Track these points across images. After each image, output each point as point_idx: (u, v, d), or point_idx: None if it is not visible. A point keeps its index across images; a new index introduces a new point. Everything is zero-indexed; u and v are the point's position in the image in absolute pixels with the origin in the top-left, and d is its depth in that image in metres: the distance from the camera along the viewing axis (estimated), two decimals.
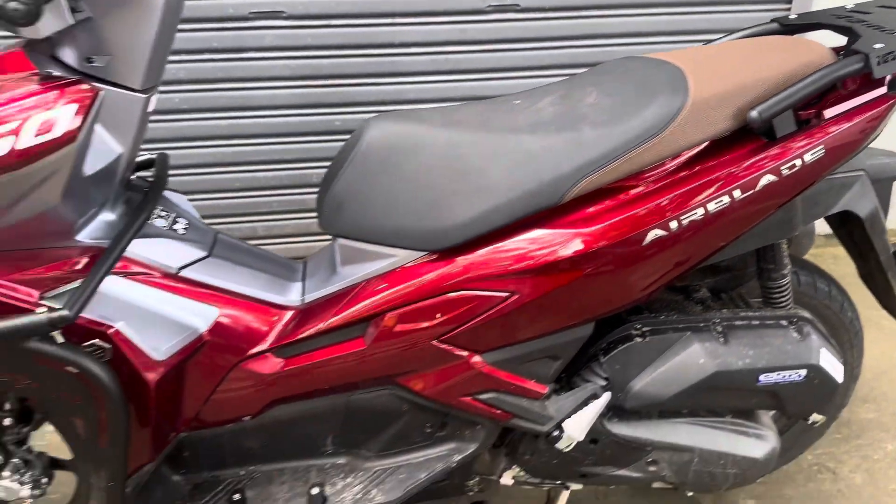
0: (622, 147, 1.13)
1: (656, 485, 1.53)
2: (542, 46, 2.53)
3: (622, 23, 2.55)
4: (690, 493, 1.48)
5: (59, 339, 1.05)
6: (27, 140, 0.98)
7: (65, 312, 1.00)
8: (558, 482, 1.47)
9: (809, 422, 1.42)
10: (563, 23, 2.51)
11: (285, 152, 2.55)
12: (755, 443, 1.37)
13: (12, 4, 0.88)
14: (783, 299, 1.36)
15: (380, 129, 1.22)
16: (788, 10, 2.63)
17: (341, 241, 1.28)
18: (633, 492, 1.81)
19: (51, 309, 1.00)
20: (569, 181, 1.14)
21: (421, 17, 2.44)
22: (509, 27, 2.48)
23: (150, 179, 1.32)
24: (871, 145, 1.25)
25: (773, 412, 1.47)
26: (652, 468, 1.37)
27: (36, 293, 1.09)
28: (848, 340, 1.55)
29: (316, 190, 2.63)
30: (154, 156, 1.40)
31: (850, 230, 1.44)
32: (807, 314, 1.33)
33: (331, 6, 2.37)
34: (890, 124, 1.25)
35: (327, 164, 2.57)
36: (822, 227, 1.49)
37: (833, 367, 1.29)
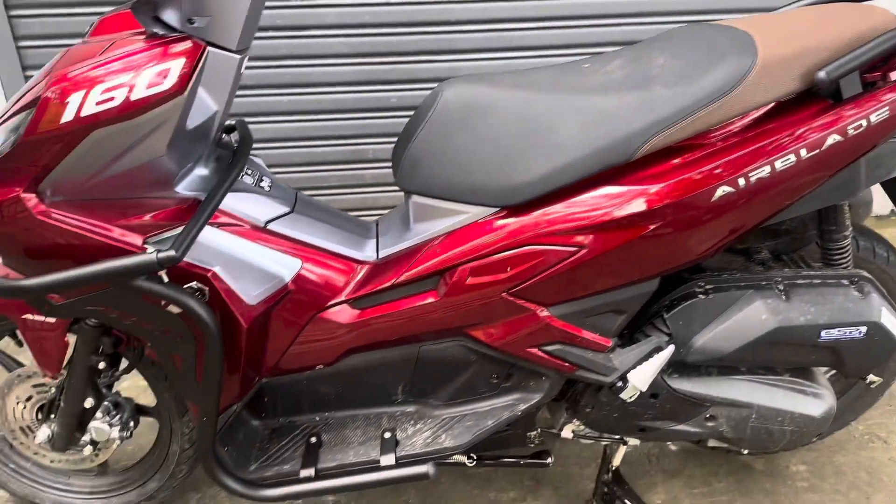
0: (693, 106, 1.17)
1: (712, 443, 1.58)
2: (597, 24, 2.57)
3: (682, 0, 2.58)
4: (746, 452, 1.52)
5: (165, 278, 1.14)
6: (140, 91, 1.06)
7: (172, 253, 1.08)
8: (617, 437, 1.52)
9: (867, 381, 1.45)
10: (618, 0, 2.54)
11: (343, 128, 2.63)
12: (812, 401, 1.40)
13: None
14: (843, 261, 1.39)
15: (455, 91, 1.28)
16: None
17: (415, 198, 1.34)
18: (686, 456, 1.86)
19: (159, 250, 1.08)
20: (640, 138, 1.18)
21: None
22: (563, 4, 2.53)
23: (236, 141, 1.41)
24: None
25: (830, 372, 1.50)
26: (710, 424, 1.41)
27: (140, 238, 1.18)
28: None
29: (372, 165, 2.73)
30: (234, 122, 1.48)
31: None
32: (867, 274, 1.35)
33: None
34: None
35: (383, 139, 2.67)
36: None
37: (893, 325, 1.32)
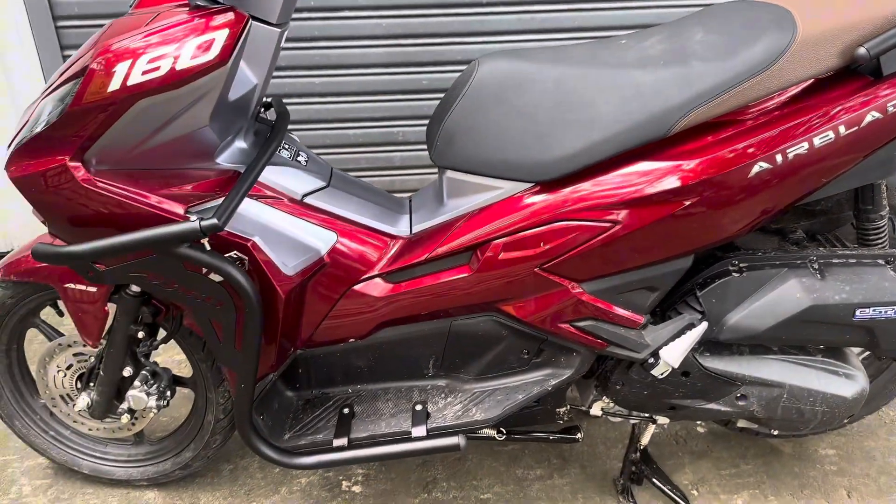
0: (731, 81, 1.17)
1: (741, 424, 1.58)
2: (632, 6, 2.55)
3: None
4: (776, 433, 1.51)
5: (208, 247, 1.16)
6: (185, 62, 1.08)
7: (215, 221, 1.10)
8: (646, 415, 1.52)
9: None
10: None
11: (374, 110, 2.65)
12: (845, 382, 1.40)
13: None
14: (879, 241, 1.38)
15: (491, 66, 1.28)
16: None
17: (449, 173, 1.35)
18: (714, 438, 1.86)
19: (202, 218, 1.11)
20: (677, 114, 1.18)
21: None
22: None
23: (272, 117, 1.43)
24: None
25: (864, 355, 1.49)
26: (741, 403, 1.41)
27: (181, 207, 1.20)
28: None
29: (401, 148, 2.74)
30: (270, 99, 1.51)
31: None
32: None
33: None
34: None
35: (413, 122, 2.68)
36: None
37: None
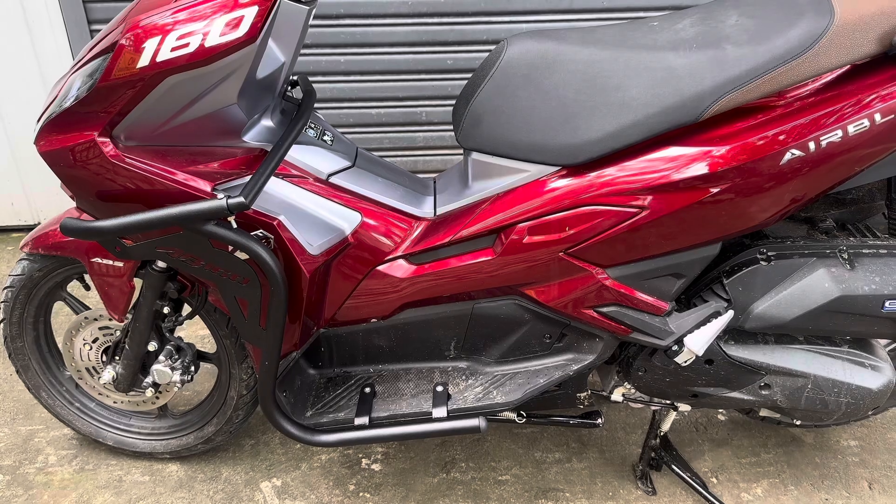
0: (765, 66, 1.14)
1: (763, 413, 1.57)
2: None
3: None
4: (798, 423, 1.50)
5: (234, 224, 1.17)
6: (214, 38, 1.08)
7: (241, 199, 1.10)
8: (667, 402, 1.52)
9: None
10: None
11: (397, 89, 2.64)
12: (870, 373, 1.38)
13: None
14: None
15: (520, 46, 1.27)
16: None
17: (475, 155, 1.34)
18: (734, 426, 1.85)
19: (229, 196, 1.11)
20: (710, 98, 1.16)
21: None
22: None
23: (299, 97, 1.43)
24: None
25: (891, 346, 1.47)
26: (765, 392, 1.40)
27: (209, 185, 1.21)
28: None
29: (424, 128, 2.73)
30: (296, 77, 1.50)
31: None
32: None
33: None
34: None
35: (437, 102, 2.67)
36: None
37: None
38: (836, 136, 1.16)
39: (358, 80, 2.61)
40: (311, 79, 2.59)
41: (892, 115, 1.16)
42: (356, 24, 2.51)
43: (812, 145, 1.17)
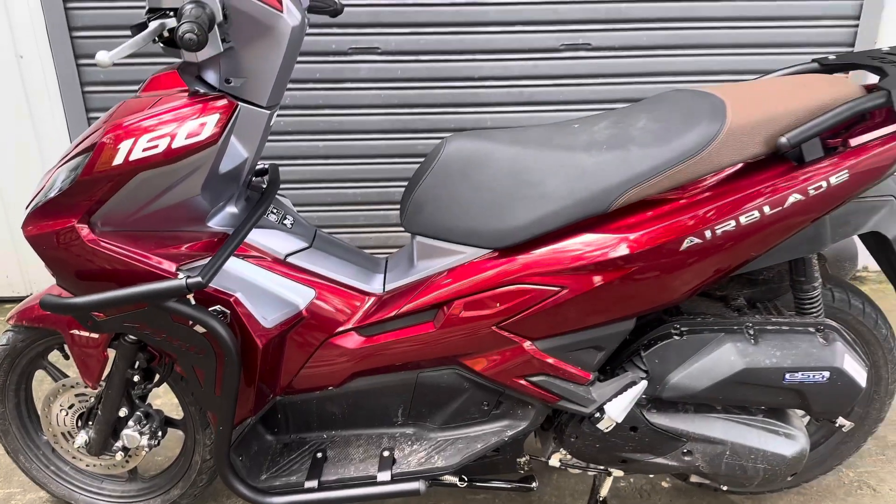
0: (664, 165, 1.31)
1: (693, 479, 1.67)
2: (610, 82, 2.73)
3: (686, 62, 2.73)
4: (724, 488, 1.59)
5: (193, 301, 1.31)
6: (180, 140, 1.25)
7: (199, 279, 1.25)
8: (601, 467, 1.62)
9: (837, 425, 1.53)
10: (631, 61, 2.71)
11: (372, 172, 2.83)
12: (785, 441, 1.49)
13: (188, 35, 1.13)
14: (814, 310, 1.49)
15: (457, 144, 1.44)
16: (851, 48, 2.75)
17: (419, 238, 1.50)
18: (675, 493, 1.94)
19: (188, 276, 1.26)
20: (616, 192, 1.32)
21: (499, 55, 2.70)
22: (580, 64, 2.70)
23: (264, 184, 1.59)
24: None
25: (806, 418, 1.58)
26: (687, 458, 1.51)
27: (174, 265, 1.35)
28: (882, 356, 1.65)
29: (397, 207, 2.89)
30: (267, 166, 1.67)
31: (888, 253, 1.55)
32: (833, 323, 1.45)
33: (420, 44, 2.66)
34: None
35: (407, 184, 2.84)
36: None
37: (856, 372, 1.41)
38: (729, 225, 1.31)
39: (335, 163, 2.81)
40: (293, 161, 2.79)
41: (780, 208, 1.31)
42: (334, 114, 2.73)
43: (708, 233, 1.32)
